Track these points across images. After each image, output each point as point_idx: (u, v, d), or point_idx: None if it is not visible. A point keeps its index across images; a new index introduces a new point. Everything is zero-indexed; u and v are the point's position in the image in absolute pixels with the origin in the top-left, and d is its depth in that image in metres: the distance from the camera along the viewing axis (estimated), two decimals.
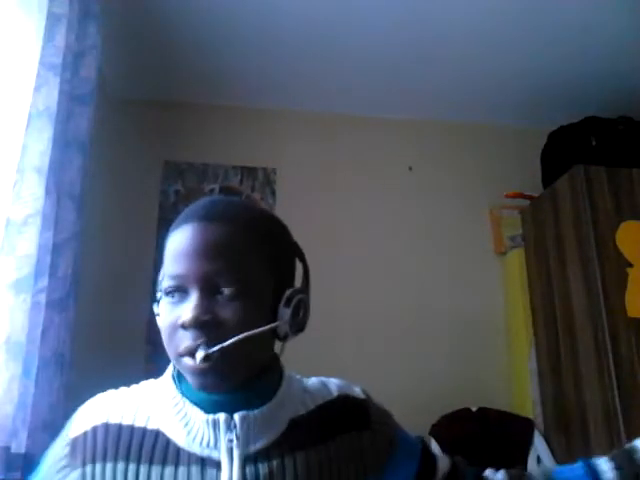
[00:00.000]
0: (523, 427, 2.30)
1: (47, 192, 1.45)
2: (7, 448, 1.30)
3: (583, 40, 2.32)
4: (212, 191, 2.62)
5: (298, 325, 0.70)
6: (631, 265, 2.09)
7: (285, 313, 0.68)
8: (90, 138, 1.71)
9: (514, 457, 2.22)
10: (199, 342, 0.63)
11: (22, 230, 1.39)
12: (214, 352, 0.62)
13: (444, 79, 2.58)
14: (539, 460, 2.23)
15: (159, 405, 0.71)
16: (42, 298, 1.41)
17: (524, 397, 2.43)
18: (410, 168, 2.82)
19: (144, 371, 2.31)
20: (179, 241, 0.68)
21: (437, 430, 2.23)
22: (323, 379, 0.79)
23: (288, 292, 0.68)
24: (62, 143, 1.56)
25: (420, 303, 2.58)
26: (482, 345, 2.56)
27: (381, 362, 2.42)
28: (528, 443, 2.26)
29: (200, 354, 0.63)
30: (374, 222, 2.70)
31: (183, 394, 0.70)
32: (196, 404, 0.69)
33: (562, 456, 2.21)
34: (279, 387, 0.72)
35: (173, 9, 2.12)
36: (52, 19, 1.55)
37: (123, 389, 0.79)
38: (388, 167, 2.81)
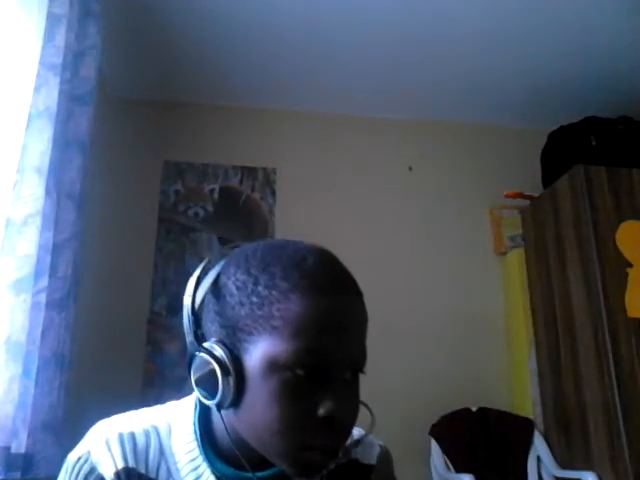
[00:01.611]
0: (523, 427, 2.30)
1: (47, 192, 1.45)
2: (7, 448, 1.30)
3: (583, 40, 2.32)
4: (212, 191, 2.62)
5: None
6: (631, 265, 2.09)
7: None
8: (90, 138, 1.71)
9: (514, 457, 2.23)
10: (340, 439, 0.56)
11: (22, 230, 1.39)
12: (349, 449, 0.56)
13: (444, 79, 2.58)
14: (539, 460, 2.23)
15: (170, 451, 0.64)
16: (42, 298, 1.41)
17: (524, 397, 2.43)
18: (410, 168, 2.82)
19: (144, 371, 2.31)
20: (333, 313, 0.56)
21: (437, 430, 2.23)
22: None
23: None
24: (62, 143, 1.56)
25: (420, 303, 2.58)
26: (482, 345, 2.56)
27: (381, 362, 2.42)
28: (528, 443, 2.26)
29: (335, 454, 0.55)
30: (374, 222, 2.70)
31: (203, 451, 0.63)
32: (216, 470, 0.62)
33: (562, 456, 2.21)
34: None
35: (173, 9, 2.12)
36: (52, 19, 1.55)
37: (126, 417, 0.67)
38: (388, 167, 2.81)
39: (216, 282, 0.61)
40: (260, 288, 0.57)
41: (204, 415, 0.66)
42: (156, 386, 2.30)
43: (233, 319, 0.58)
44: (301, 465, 0.55)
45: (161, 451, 0.64)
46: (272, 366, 0.55)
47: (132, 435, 0.63)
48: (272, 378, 0.55)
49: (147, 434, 0.64)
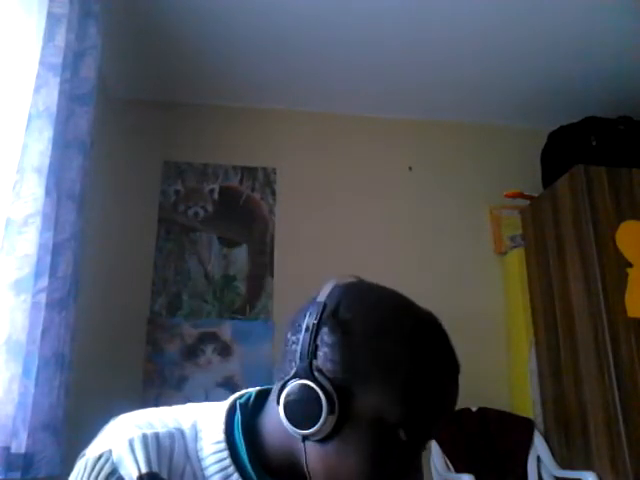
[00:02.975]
0: (523, 427, 2.30)
1: (47, 192, 1.45)
2: (7, 448, 1.30)
3: (583, 40, 2.32)
4: (212, 191, 2.62)
5: None
6: (631, 265, 2.09)
7: None
8: (90, 138, 1.71)
9: (514, 457, 2.23)
10: None
11: (22, 230, 1.39)
12: None
13: (444, 79, 2.58)
14: (539, 460, 2.23)
15: (196, 456, 0.62)
16: (42, 298, 1.41)
17: (524, 397, 2.43)
18: (410, 168, 2.82)
19: (144, 371, 2.31)
20: (449, 395, 0.59)
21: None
22: None
23: None
24: (62, 143, 1.56)
25: (420, 303, 2.57)
26: (482, 345, 2.56)
27: None
28: (528, 443, 2.26)
29: None
30: (374, 222, 2.70)
31: (233, 456, 0.61)
32: (248, 476, 0.61)
33: (562, 456, 2.21)
34: None
35: (173, 9, 2.12)
36: (52, 19, 1.56)
37: (150, 416, 0.64)
38: (388, 167, 2.81)
39: (335, 314, 0.59)
40: (390, 339, 0.57)
41: (248, 424, 0.64)
42: (156, 386, 2.30)
43: (351, 359, 0.57)
44: None
45: (187, 456, 0.61)
46: (379, 421, 0.55)
47: (156, 437, 0.59)
48: (375, 432, 0.55)
49: (172, 437, 0.61)
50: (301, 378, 0.57)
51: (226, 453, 0.61)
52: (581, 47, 2.36)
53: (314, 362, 0.58)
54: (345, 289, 0.62)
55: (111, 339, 2.29)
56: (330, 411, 0.55)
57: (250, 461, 0.61)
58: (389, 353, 0.56)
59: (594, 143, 2.36)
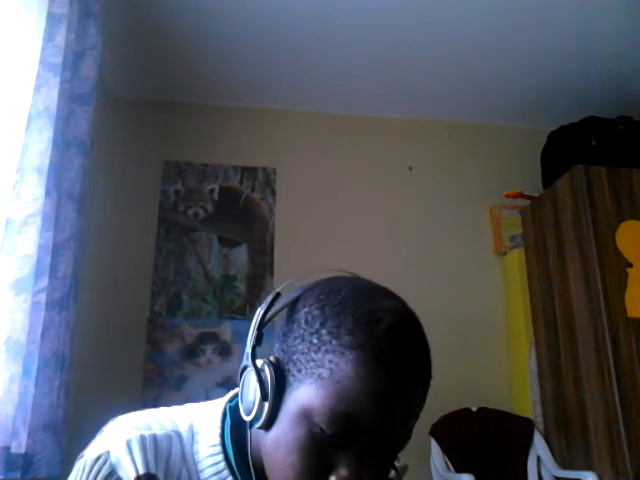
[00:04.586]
0: (523, 427, 2.30)
1: (47, 192, 1.45)
2: (7, 448, 1.30)
3: (583, 40, 2.32)
4: (212, 191, 2.62)
5: None
6: (631, 265, 2.09)
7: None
8: (90, 138, 1.71)
9: (514, 457, 2.23)
10: None
11: (22, 230, 1.39)
12: None
13: (444, 79, 2.58)
14: (539, 460, 2.23)
15: (192, 459, 0.62)
16: (42, 298, 1.41)
17: (524, 397, 2.43)
18: (410, 168, 2.82)
19: (144, 371, 2.31)
20: (383, 391, 0.53)
21: (437, 430, 2.23)
22: None
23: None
24: (62, 143, 1.56)
25: (420, 303, 2.56)
26: (482, 345, 2.56)
27: None
28: (528, 443, 2.26)
29: None
30: (374, 222, 2.70)
31: (228, 461, 0.61)
32: None
33: (562, 456, 2.21)
34: None
35: (173, 9, 2.12)
36: (52, 19, 1.56)
37: (148, 417, 0.64)
38: (388, 167, 2.81)
39: (294, 304, 0.60)
40: (324, 332, 0.54)
41: (237, 426, 0.63)
42: (156, 386, 2.30)
43: (291, 349, 0.57)
44: None
45: (183, 458, 0.61)
46: (305, 415, 0.54)
47: (154, 438, 0.60)
48: (301, 426, 0.54)
49: (169, 439, 0.61)
50: (246, 365, 0.59)
51: (221, 457, 0.61)
52: (581, 47, 2.36)
53: (257, 348, 0.59)
54: (316, 282, 0.62)
55: (111, 339, 2.29)
56: (263, 397, 0.56)
57: (237, 466, 0.61)
58: (322, 343, 0.54)
59: (594, 143, 2.36)
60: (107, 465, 0.57)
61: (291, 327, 0.58)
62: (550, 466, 2.19)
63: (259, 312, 0.60)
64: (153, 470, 0.58)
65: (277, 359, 0.58)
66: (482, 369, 2.51)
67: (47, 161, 1.46)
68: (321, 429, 0.53)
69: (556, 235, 2.35)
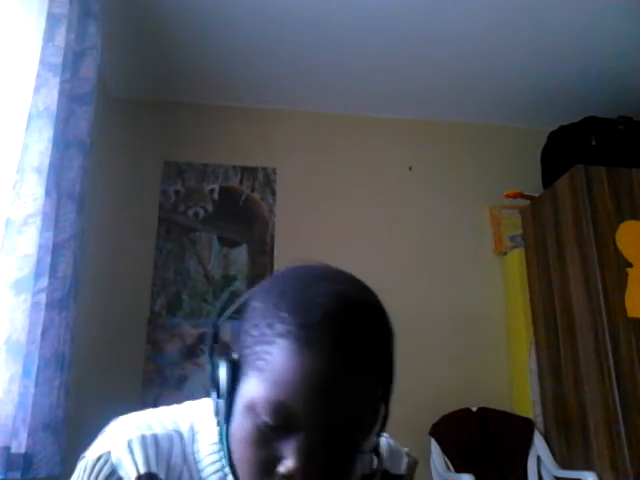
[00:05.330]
0: (523, 427, 2.30)
1: (47, 192, 1.45)
2: (7, 448, 1.30)
3: (583, 40, 2.32)
4: (212, 191, 2.62)
5: None
6: (631, 265, 2.09)
7: (374, 441, 0.60)
8: (90, 138, 1.71)
9: (514, 457, 2.23)
10: None
11: (22, 230, 1.39)
12: None
13: (444, 79, 2.58)
14: (539, 460, 2.23)
15: (193, 459, 0.62)
16: (42, 298, 1.41)
17: (524, 397, 2.43)
18: (410, 168, 2.82)
19: (144, 371, 2.31)
20: (314, 376, 0.51)
21: (437, 430, 2.23)
22: None
23: (382, 420, 0.59)
24: (62, 143, 1.56)
25: (420, 303, 2.58)
26: (482, 345, 2.56)
27: None
28: (528, 443, 2.26)
29: None
30: (374, 222, 2.70)
31: (230, 465, 0.61)
32: None
33: (562, 456, 2.21)
34: None
35: (173, 9, 2.12)
36: (52, 19, 1.56)
37: (149, 417, 0.64)
38: (388, 167, 2.81)
39: (247, 301, 0.59)
40: (263, 324, 0.54)
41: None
42: (156, 386, 2.30)
43: (241, 344, 0.57)
44: None
45: (184, 458, 0.61)
46: (250, 408, 0.54)
47: (155, 438, 0.60)
48: (248, 420, 0.54)
49: (170, 439, 0.61)
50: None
51: (220, 455, 0.61)
52: (581, 47, 2.36)
53: (215, 346, 0.60)
54: (274, 274, 0.62)
55: (111, 339, 2.29)
56: (218, 395, 0.56)
57: (231, 465, 0.61)
58: (262, 335, 0.54)
59: (594, 143, 2.36)
60: (108, 465, 0.58)
61: (242, 323, 0.58)
62: (550, 466, 2.19)
63: (217, 312, 0.61)
64: (154, 470, 0.58)
65: (234, 356, 0.58)
66: (482, 369, 2.51)
67: (47, 161, 1.46)
68: (265, 421, 0.52)
69: (556, 235, 2.35)
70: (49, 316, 1.45)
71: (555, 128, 2.53)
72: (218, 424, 0.59)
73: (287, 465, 0.51)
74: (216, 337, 0.61)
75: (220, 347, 0.60)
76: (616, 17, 2.17)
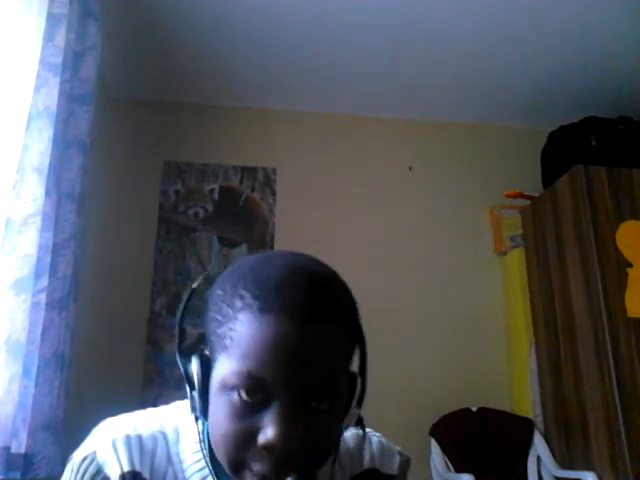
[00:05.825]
0: (523, 427, 2.30)
1: (47, 192, 1.45)
2: (7, 448, 1.30)
3: (583, 40, 2.32)
4: (212, 191, 2.62)
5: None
6: (631, 265, 2.09)
7: (355, 414, 0.59)
8: (90, 138, 1.71)
9: (514, 457, 2.23)
10: (283, 470, 0.52)
11: (22, 230, 1.39)
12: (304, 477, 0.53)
13: (444, 79, 2.58)
14: (539, 460, 2.23)
15: (178, 459, 0.63)
16: (42, 298, 1.41)
17: (524, 397, 2.43)
18: (410, 168, 2.82)
19: (144, 371, 2.31)
20: (275, 339, 0.52)
21: (437, 430, 2.23)
22: (362, 434, 0.71)
23: (359, 391, 0.60)
24: (62, 143, 1.56)
25: (420, 303, 2.58)
26: (482, 345, 2.56)
27: (381, 362, 2.42)
28: (528, 443, 2.26)
29: None
30: (374, 222, 2.69)
31: (212, 464, 0.61)
32: None
33: (562, 456, 2.21)
34: None
35: (173, 9, 2.12)
36: (52, 19, 1.56)
37: (134, 419, 0.65)
38: (388, 167, 2.81)
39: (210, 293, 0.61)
40: (224, 306, 0.56)
41: None
42: (156, 386, 2.30)
43: (207, 333, 0.58)
44: None
45: (168, 459, 0.62)
46: (223, 387, 0.54)
47: (139, 438, 0.62)
48: (222, 399, 0.54)
49: (155, 439, 0.63)
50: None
51: (201, 454, 0.62)
52: (581, 47, 2.36)
53: (183, 344, 0.61)
54: (232, 264, 0.63)
55: (111, 339, 2.29)
56: (191, 387, 0.57)
57: (214, 463, 0.61)
58: (223, 316, 0.55)
59: (594, 143, 2.36)
60: (94, 465, 0.59)
61: (207, 313, 0.59)
62: (550, 466, 2.19)
63: (179, 310, 0.62)
64: (138, 468, 0.60)
65: (205, 352, 0.59)
66: (482, 369, 2.51)
67: (47, 161, 1.46)
68: (239, 396, 0.53)
69: (556, 235, 2.35)
70: (49, 316, 1.45)
71: (555, 128, 2.53)
72: (196, 420, 0.60)
73: (266, 435, 0.52)
74: (182, 335, 0.62)
75: (192, 345, 0.61)
76: (616, 17, 2.17)
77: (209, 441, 0.62)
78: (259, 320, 0.53)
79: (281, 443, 0.51)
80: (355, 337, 0.59)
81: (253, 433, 0.53)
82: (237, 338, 0.53)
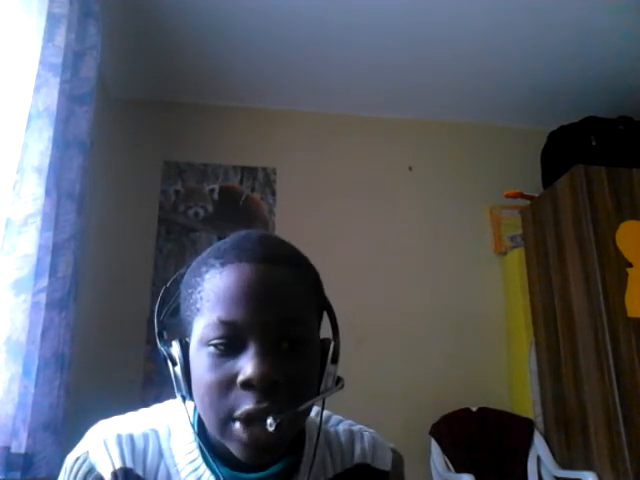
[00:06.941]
0: (523, 427, 2.30)
1: (47, 192, 1.45)
2: (7, 448, 1.30)
3: (583, 40, 2.32)
4: (212, 191, 2.62)
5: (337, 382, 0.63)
6: (631, 265, 2.09)
7: (333, 370, 0.62)
8: (90, 138, 1.71)
9: (514, 457, 2.23)
10: (265, 406, 0.54)
11: (22, 230, 1.39)
12: (286, 418, 0.54)
13: (444, 79, 2.58)
14: (539, 460, 2.23)
15: (169, 453, 0.64)
16: (42, 298, 1.41)
17: (524, 397, 2.43)
18: (410, 168, 2.82)
19: (144, 371, 2.31)
20: (237, 282, 0.57)
21: (437, 430, 2.23)
22: (354, 430, 0.72)
23: (333, 346, 0.63)
24: (62, 143, 1.56)
25: (420, 303, 2.58)
26: (482, 345, 2.56)
27: (381, 362, 2.42)
28: (528, 443, 2.26)
29: (270, 421, 0.53)
30: (374, 222, 2.70)
31: (202, 451, 0.63)
32: (215, 472, 0.62)
33: (562, 456, 2.21)
34: (302, 450, 0.66)
35: (173, 9, 2.12)
36: (52, 19, 1.56)
37: (126, 419, 0.67)
38: (388, 167, 2.81)
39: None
40: (193, 278, 0.62)
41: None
42: (156, 386, 2.30)
43: (183, 314, 0.63)
44: (236, 439, 0.55)
45: (160, 454, 0.64)
46: (200, 344, 0.58)
47: (130, 437, 0.63)
48: (201, 354, 0.57)
49: (146, 437, 0.64)
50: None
51: (193, 445, 0.64)
52: (581, 47, 2.36)
53: (163, 332, 0.66)
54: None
55: (111, 339, 2.29)
56: (174, 364, 0.61)
57: (212, 458, 0.62)
58: (193, 287, 0.62)
59: (594, 143, 2.36)
60: (86, 464, 0.62)
61: (182, 297, 0.64)
62: (550, 466, 2.19)
63: (157, 305, 0.67)
64: (130, 465, 0.61)
65: (182, 330, 0.63)
66: (482, 369, 2.51)
67: (47, 161, 1.46)
68: (214, 347, 0.56)
69: (556, 235, 2.35)
70: (49, 316, 1.44)
71: (555, 128, 2.53)
72: (183, 400, 0.61)
73: (245, 372, 0.54)
74: (161, 326, 0.66)
75: (173, 336, 0.65)
76: (616, 17, 2.17)
77: (201, 430, 0.64)
78: (220, 272, 0.59)
79: (258, 377, 0.53)
80: (320, 303, 0.65)
81: (233, 378, 0.55)
82: (205, 295, 0.58)
